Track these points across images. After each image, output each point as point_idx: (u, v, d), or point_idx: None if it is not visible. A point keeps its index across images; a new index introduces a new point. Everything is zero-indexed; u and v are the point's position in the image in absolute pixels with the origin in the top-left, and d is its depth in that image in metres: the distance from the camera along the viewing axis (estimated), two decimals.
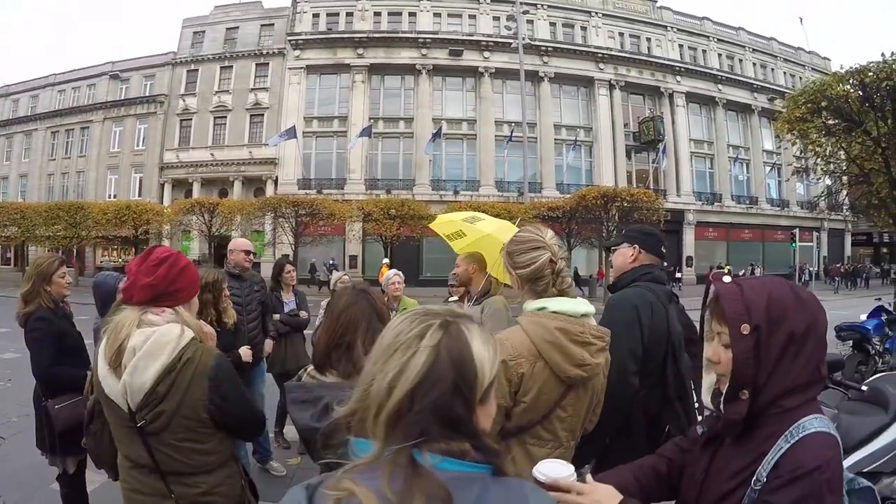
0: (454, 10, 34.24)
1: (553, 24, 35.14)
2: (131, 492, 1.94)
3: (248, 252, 4.79)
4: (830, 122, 18.35)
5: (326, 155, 31.60)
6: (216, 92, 33.04)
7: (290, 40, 32.61)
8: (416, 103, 32.04)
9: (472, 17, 34.36)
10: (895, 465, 3.53)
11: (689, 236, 35.06)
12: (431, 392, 0.86)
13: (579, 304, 1.91)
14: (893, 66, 16.18)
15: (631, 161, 35.08)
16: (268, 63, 33.13)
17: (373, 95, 32.36)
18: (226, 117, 32.69)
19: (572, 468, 1.27)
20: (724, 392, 1.32)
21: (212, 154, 31.87)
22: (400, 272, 5.37)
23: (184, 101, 33.30)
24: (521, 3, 24.62)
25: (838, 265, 38.13)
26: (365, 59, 31.98)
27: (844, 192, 26.17)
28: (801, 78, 41.55)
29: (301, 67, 32.34)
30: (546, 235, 2.03)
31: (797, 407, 1.26)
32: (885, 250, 45.92)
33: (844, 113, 17.68)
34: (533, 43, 31.91)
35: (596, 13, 35.82)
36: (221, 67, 33.71)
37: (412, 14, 33.81)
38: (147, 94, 34.05)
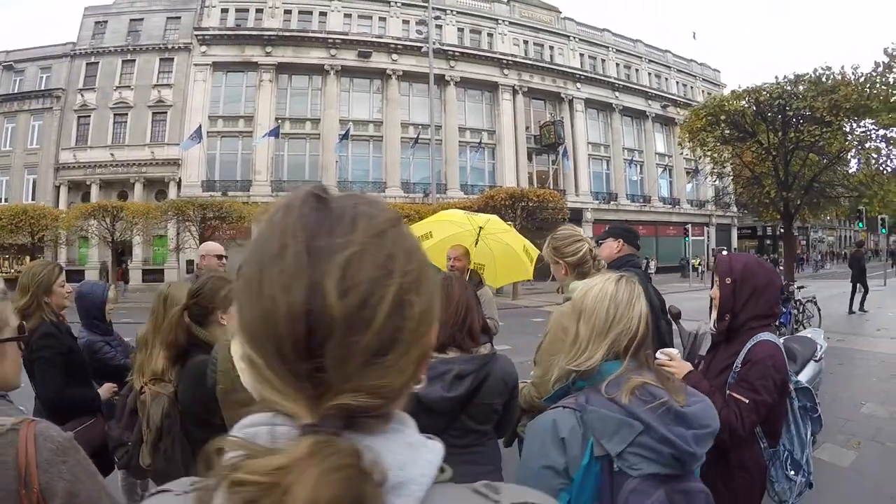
0: (365, 11, 34.60)
1: (461, 30, 36.20)
2: None
3: (220, 256, 4.53)
4: (727, 132, 20.68)
5: (231, 156, 31.25)
6: (117, 87, 31.58)
7: (196, 35, 31.74)
8: (323, 104, 32.23)
9: (382, 19, 34.81)
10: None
11: (587, 233, 36.00)
12: (651, 321, 1.50)
13: None
14: (785, 87, 18.81)
15: (532, 163, 36.78)
16: (172, 58, 32.02)
17: (280, 95, 32.22)
18: (127, 115, 31.28)
19: (676, 351, 2.40)
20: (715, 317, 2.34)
21: (111, 154, 30.37)
22: None
23: (82, 96, 31.56)
24: (431, 9, 25.62)
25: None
26: (273, 58, 31.82)
27: (734, 193, 29.27)
28: (692, 87, 44.89)
29: (207, 64, 31.63)
30: (579, 231, 2.70)
31: (758, 328, 2.22)
32: (768, 242, 50.36)
33: (740, 125, 20.17)
34: (441, 47, 32.62)
35: (503, 21, 37.20)
36: (123, 61, 32.13)
37: (323, 14, 33.87)
38: (43, 88, 31.96)
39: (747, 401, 2.06)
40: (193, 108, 30.68)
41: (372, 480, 0.46)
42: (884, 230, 26.99)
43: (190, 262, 26.72)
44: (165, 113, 31.40)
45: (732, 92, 20.96)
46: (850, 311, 14.80)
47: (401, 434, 0.54)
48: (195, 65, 31.72)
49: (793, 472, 2.19)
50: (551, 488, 1.30)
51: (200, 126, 27.18)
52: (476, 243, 4.84)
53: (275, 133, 28.22)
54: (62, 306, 3.06)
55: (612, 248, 3.40)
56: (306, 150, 32.13)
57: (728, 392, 2.14)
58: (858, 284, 15.35)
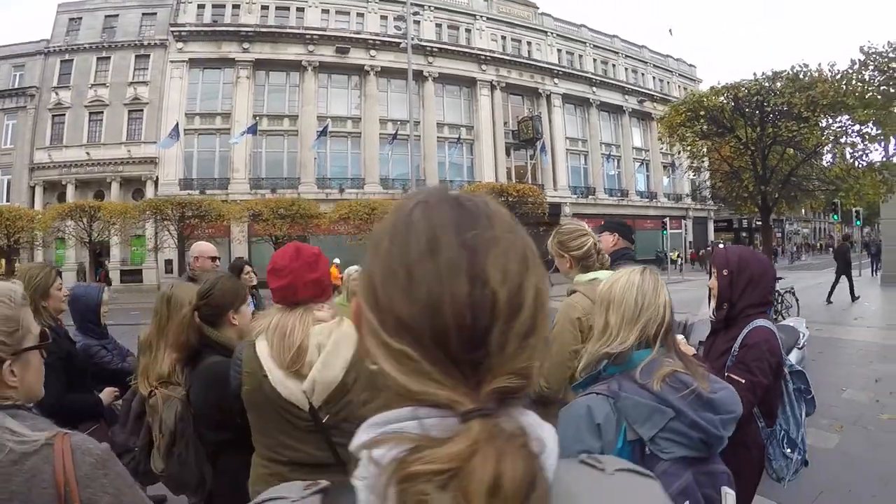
0: (342, 7, 34.42)
1: (439, 26, 36.20)
2: None
3: (214, 258, 4.57)
4: (706, 127, 21.03)
5: (209, 153, 30.82)
6: (92, 85, 30.89)
7: (172, 31, 31.20)
8: (301, 100, 31.97)
9: (360, 15, 34.65)
10: None
11: None
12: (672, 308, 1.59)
13: None
14: (763, 83, 19.17)
15: (510, 158, 36.98)
16: (148, 55, 31.43)
17: (257, 92, 31.87)
18: (102, 113, 30.64)
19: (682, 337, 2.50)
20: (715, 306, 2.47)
21: (87, 153, 29.72)
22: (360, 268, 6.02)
23: (56, 94, 30.79)
24: (410, 4, 25.55)
25: (706, 248, 42.54)
26: (250, 54, 31.48)
27: (713, 187, 29.73)
28: (668, 83, 45.44)
29: (184, 61, 31.14)
30: (584, 226, 2.75)
31: (754, 315, 2.34)
32: (743, 234, 51.28)
33: (718, 121, 20.53)
34: (419, 43, 32.22)
35: (480, 17, 37.27)
36: (98, 58, 31.45)
37: (300, 9, 33.58)
38: (16, 87, 31.10)
39: (744, 381, 2.18)
40: (170, 106, 30.18)
41: (538, 457, 0.49)
42: (858, 222, 27.72)
43: (168, 262, 26.45)
44: (142, 111, 30.85)
45: (711, 88, 21.40)
46: (828, 301, 15.20)
47: (530, 413, 0.56)
48: (171, 61, 31.23)
49: (789, 451, 2.34)
50: None
51: (178, 124, 26.78)
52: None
53: (252, 130, 27.99)
54: (59, 310, 3.01)
55: (608, 242, 3.49)
56: (284, 146, 31.83)
57: (726, 374, 2.25)
58: (843, 276, 15.75)
